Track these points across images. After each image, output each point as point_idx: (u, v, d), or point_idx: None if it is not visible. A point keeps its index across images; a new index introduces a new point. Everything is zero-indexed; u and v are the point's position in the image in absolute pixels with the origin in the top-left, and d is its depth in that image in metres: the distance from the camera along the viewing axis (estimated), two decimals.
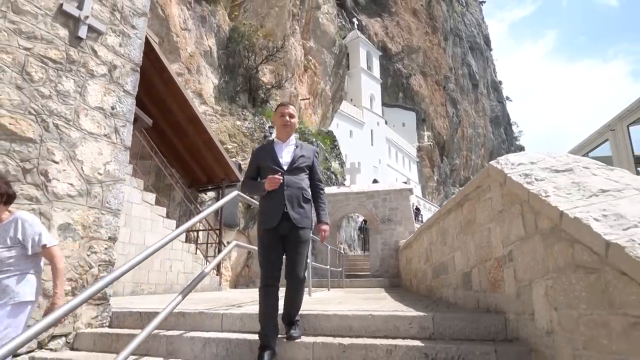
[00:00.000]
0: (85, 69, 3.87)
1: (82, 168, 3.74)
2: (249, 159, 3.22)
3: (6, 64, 3.28)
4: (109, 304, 3.87)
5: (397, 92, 48.01)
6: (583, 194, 1.98)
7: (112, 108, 4.09)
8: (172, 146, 10.79)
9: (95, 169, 3.86)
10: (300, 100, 22.25)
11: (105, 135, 3.98)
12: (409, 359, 2.50)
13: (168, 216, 8.71)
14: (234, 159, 12.32)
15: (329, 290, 8.20)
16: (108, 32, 4.13)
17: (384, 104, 45.75)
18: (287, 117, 3.05)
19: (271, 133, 13.99)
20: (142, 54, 4.49)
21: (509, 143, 73.12)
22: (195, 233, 11.07)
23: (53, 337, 3.41)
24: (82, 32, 3.84)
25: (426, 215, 28.75)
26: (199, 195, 12.42)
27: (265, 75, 17.47)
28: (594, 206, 1.83)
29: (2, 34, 3.28)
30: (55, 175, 3.51)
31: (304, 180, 2.98)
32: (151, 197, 8.03)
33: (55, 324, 2.02)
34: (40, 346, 3.32)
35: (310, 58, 24.15)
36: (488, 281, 3.09)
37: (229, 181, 11.03)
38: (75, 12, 3.78)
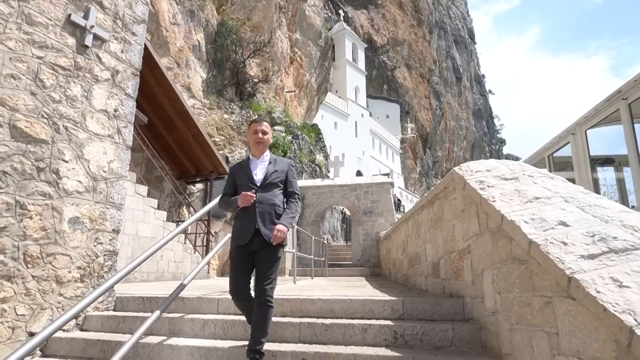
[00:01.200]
0: (91, 75, 4.19)
1: (88, 166, 4.08)
2: (227, 176, 3.33)
3: (22, 72, 3.59)
4: (114, 290, 4.25)
5: (381, 84, 48.52)
6: (521, 200, 2.44)
7: (115, 110, 4.42)
8: (162, 139, 11.05)
9: (101, 167, 4.20)
10: (286, 92, 22.53)
11: (109, 136, 4.32)
12: (381, 335, 2.97)
13: (158, 207, 9.03)
14: (221, 152, 12.62)
15: (312, 278, 8.63)
16: (111, 39, 4.44)
17: (368, 96, 46.23)
18: (260, 134, 3.09)
19: None
20: (141, 58, 4.81)
21: (491, 136, 74.51)
22: None
23: None
24: (88, 40, 4.15)
25: (408, 206, 29.48)
26: (188, 187, 12.72)
27: (252, 69, 17.72)
28: (527, 211, 2.29)
29: (18, 44, 3.59)
30: (65, 173, 3.85)
31: (277, 196, 3.02)
32: (143, 189, 8.34)
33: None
34: None
35: (296, 50, 24.39)
36: (452, 270, 3.57)
37: (217, 173, 11.36)
38: (81, 22, 4.09)
